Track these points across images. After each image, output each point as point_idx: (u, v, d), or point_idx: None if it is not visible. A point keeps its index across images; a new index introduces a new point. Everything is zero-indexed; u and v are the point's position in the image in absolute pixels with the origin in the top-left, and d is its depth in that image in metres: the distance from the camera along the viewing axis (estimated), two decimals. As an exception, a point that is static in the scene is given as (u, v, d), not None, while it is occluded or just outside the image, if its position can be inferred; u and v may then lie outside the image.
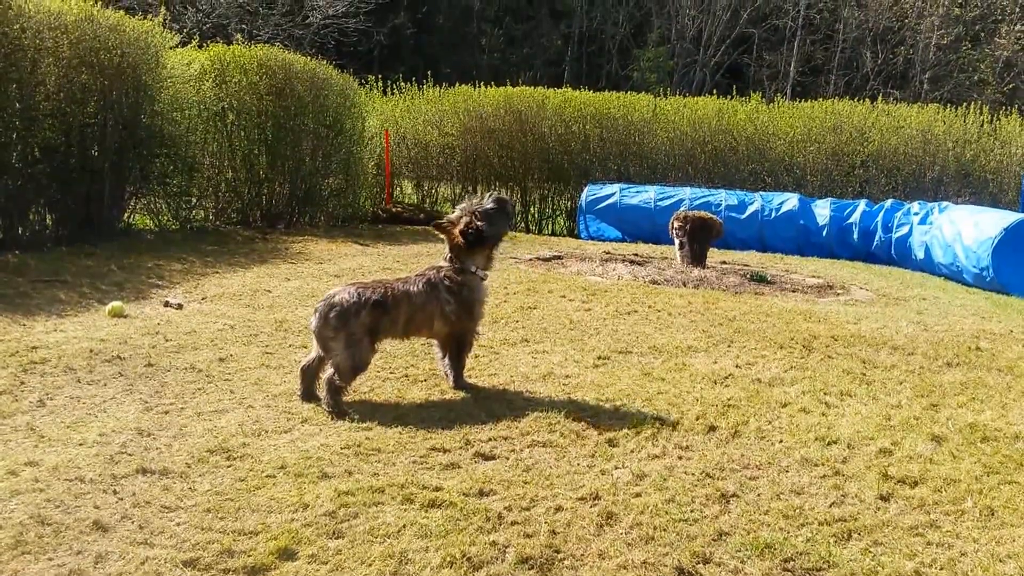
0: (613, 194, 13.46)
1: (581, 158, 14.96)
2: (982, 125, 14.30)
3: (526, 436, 4.16)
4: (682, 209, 11.48)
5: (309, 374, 4.53)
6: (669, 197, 13.03)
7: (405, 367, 5.25)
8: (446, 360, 4.83)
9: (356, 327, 4.30)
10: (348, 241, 11.40)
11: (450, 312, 4.57)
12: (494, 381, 5.01)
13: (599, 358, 5.58)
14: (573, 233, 14.23)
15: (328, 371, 4.39)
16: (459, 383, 4.81)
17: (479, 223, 4.54)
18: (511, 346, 5.87)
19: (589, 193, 13.67)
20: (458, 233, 4.55)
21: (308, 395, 4.53)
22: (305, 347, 5.49)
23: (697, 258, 9.86)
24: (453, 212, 4.68)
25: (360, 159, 13.45)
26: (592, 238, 13.39)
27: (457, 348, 4.76)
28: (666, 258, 10.70)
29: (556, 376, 5.14)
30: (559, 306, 7.36)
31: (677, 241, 10.08)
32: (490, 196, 4.62)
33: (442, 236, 4.68)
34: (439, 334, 4.71)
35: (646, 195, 13.26)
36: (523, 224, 16.01)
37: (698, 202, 12.67)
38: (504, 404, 4.58)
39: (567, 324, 6.61)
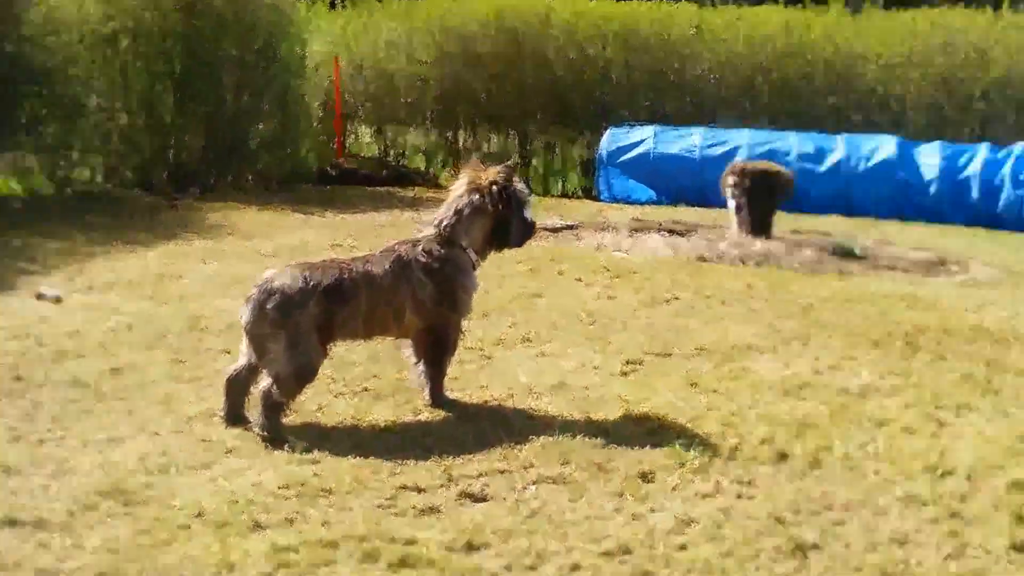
0: (644, 140, 13.42)
1: (600, 93, 14.93)
2: None
3: (529, 470, 4.15)
4: (738, 160, 11.47)
5: (236, 387, 4.53)
6: (720, 143, 13.00)
7: (365, 377, 5.22)
8: (421, 367, 4.83)
9: (302, 322, 4.31)
10: (286, 209, 11.38)
11: (425, 299, 4.59)
12: (485, 395, 5.00)
13: (628, 363, 5.58)
14: (590, 194, 14.23)
15: (263, 382, 4.39)
16: (438, 398, 4.82)
17: (517, 189, 4.70)
18: (508, 348, 5.87)
19: (612, 140, 13.65)
20: (488, 183, 4.65)
21: (235, 416, 4.52)
22: (229, 352, 5.46)
23: (759, 225, 9.87)
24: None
25: (301, 97, 13.41)
26: (616, 200, 13.37)
27: (435, 350, 4.76)
28: (718, 226, 10.70)
29: (570, 388, 5.14)
30: (573, 293, 7.35)
31: (732, 203, 10.07)
32: (520, 186, 4.76)
33: (461, 179, 4.76)
34: (411, 330, 4.72)
35: (689, 141, 13.23)
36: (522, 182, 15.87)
37: (760, 150, 12.66)
38: (499, 426, 4.58)
39: (584, 317, 6.60)
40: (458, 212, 4.70)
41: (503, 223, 4.73)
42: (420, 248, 4.64)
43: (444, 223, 4.70)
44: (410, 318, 4.63)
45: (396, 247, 4.68)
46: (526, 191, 4.84)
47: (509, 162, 4.90)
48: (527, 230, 4.84)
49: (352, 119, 15.97)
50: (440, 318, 4.68)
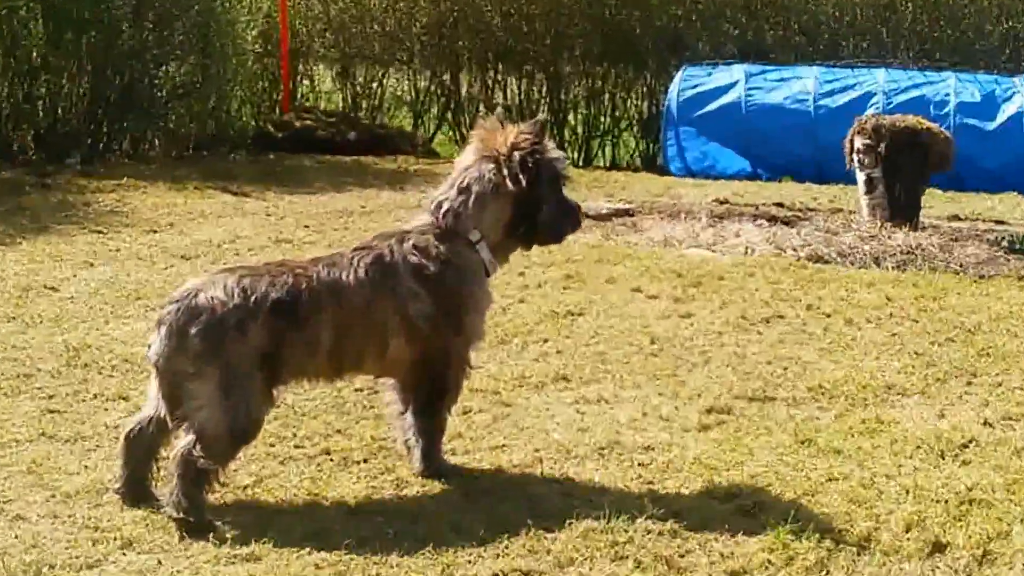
0: (733, 86, 13.44)
1: (666, 16, 14.96)
2: None
3: (567, 569, 4.13)
4: (870, 113, 11.45)
5: (139, 449, 4.53)
6: (844, 89, 13.00)
7: (326, 434, 5.24)
8: (409, 419, 4.83)
9: (239, 355, 4.32)
10: (208, 187, 11.45)
11: (419, 318, 4.57)
12: (503, 459, 5.01)
13: (709, 411, 5.59)
14: (654, 164, 14.25)
15: (180, 442, 4.38)
16: (433, 464, 4.82)
17: (551, 158, 4.74)
18: (536, 390, 5.88)
19: (685, 84, 13.67)
20: (508, 149, 4.65)
21: (136, 491, 4.53)
22: (127, 399, 5.47)
23: (902, 209, 9.89)
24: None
25: (230, 24, 13.53)
26: (692, 173, 13.38)
27: (431, 394, 4.77)
28: (840, 210, 10.69)
29: (625, 448, 5.14)
30: (629, 309, 7.37)
31: (862, 176, 10.05)
32: (556, 152, 4.81)
33: (469, 145, 4.81)
34: (398, 365, 4.72)
35: (798, 85, 13.23)
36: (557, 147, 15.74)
37: (902, 99, 12.65)
38: (523, 505, 4.57)
39: (645, 345, 6.62)
40: (464, 192, 4.68)
41: (530, 208, 4.72)
42: (410, 244, 4.62)
43: (445, 208, 4.69)
44: (396, 347, 4.62)
45: (375, 244, 4.67)
46: (564, 160, 4.85)
47: (538, 118, 4.92)
48: (566, 218, 4.84)
49: (306, 57, 16.06)
50: (439, 346, 4.67)
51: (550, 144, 4.81)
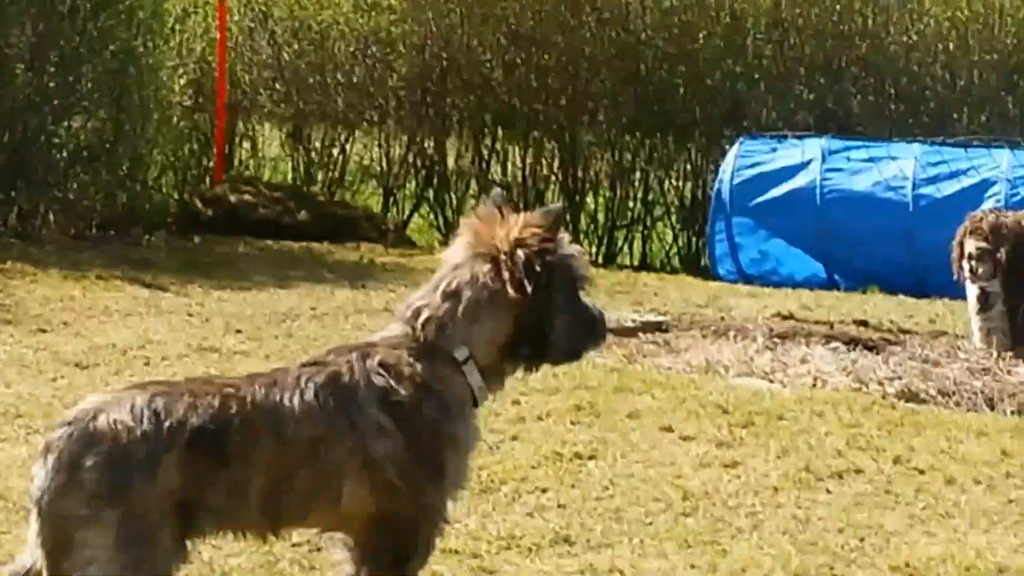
0: (805, 166, 13.47)
1: (720, 74, 15.07)
2: None
3: None
4: (987, 207, 11.49)
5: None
6: (954, 175, 12.99)
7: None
8: (363, 585, 4.82)
9: (146, 499, 4.27)
10: (116, 277, 11.46)
11: (385, 459, 4.54)
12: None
13: (760, 595, 5.58)
14: (697, 264, 14.33)
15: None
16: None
17: (566, 256, 4.63)
18: (527, 553, 5.83)
19: (743, 161, 13.68)
20: (511, 245, 4.63)
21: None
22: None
23: (1026, 333, 9.92)
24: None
25: (151, 71, 13.62)
26: (746, 278, 13.38)
27: (394, 556, 4.71)
28: (943, 333, 10.71)
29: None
30: (656, 454, 7.31)
31: (974, 289, 10.03)
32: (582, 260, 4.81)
33: (460, 237, 4.80)
34: (353, 520, 4.69)
35: (892, 168, 13.24)
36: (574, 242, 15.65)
37: (1030, 187, 12.73)
38: None
39: (675, 500, 6.57)
40: (451, 297, 4.64)
41: (537, 321, 4.74)
42: (376, 362, 4.61)
43: (425, 316, 4.67)
44: (353, 498, 4.53)
45: (330, 359, 4.67)
46: (582, 257, 4.86)
47: (551, 207, 4.93)
48: (586, 330, 4.87)
49: (248, 113, 16.16)
50: (409, 498, 4.68)
51: (565, 238, 4.84)
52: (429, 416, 4.57)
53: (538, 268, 4.64)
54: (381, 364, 4.56)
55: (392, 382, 4.55)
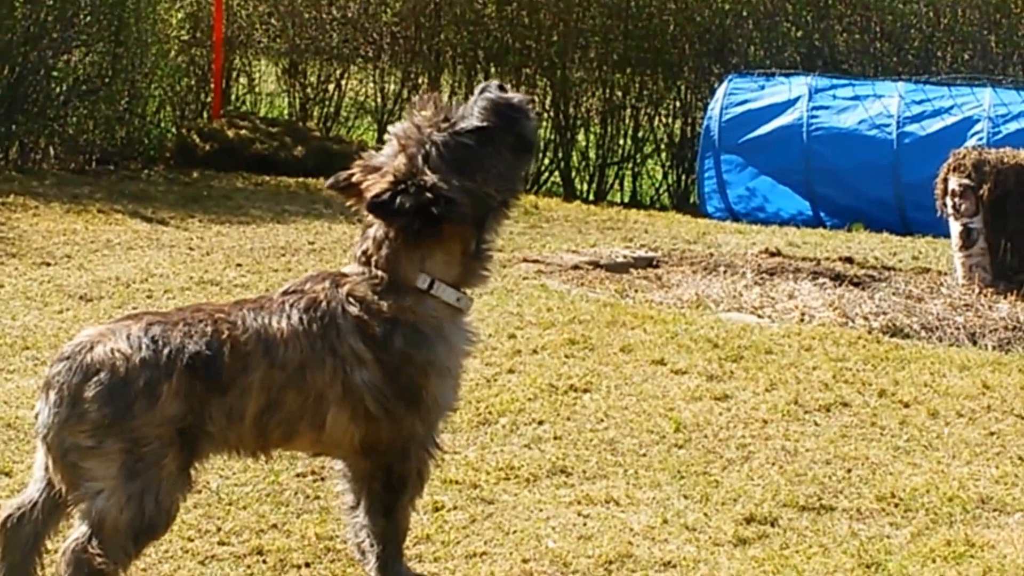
0: (792, 104, 13.46)
1: (709, 12, 14.99)
2: None
3: None
4: (970, 145, 11.47)
5: (21, 539, 4.51)
6: (938, 113, 12.99)
7: (258, 529, 5.25)
8: (361, 516, 4.82)
9: (148, 425, 4.33)
10: (116, 211, 11.48)
11: (366, 391, 4.56)
12: (482, 570, 5.01)
13: (748, 521, 5.57)
14: (687, 202, 14.30)
15: (74, 532, 4.37)
16: (392, 574, 4.79)
17: (432, 174, 4.53)
18: (525, 483, 5.88)
19: (731, 99, 13.68)
20: (376, 193, 4.54)
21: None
22: (10, 475, 5.48)
23: (1008, 270, 9.88)
24: (383, 144, 4.68)
25: (150, 7, 13.63)
26: (734, 214, 13.40)
27: (387, 486, 4.76)
28: (927, 269, 10.70)
29: (638, 563, 5.14)
30: (649, 386, 7.36)
31: (957, 226, 10.06)
32: (479, 94, 4.69)
33: (347, 200, 4.72)
34: (342, 445, 4.70)
35: (877, 106, 13.22)
36: (558, 175, 15.83)
37: (1012, 126, 12.69)
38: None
39: (667, 432, 6.62)
40: (383, 241, 4.61)
41: (452, 215, 4.55)
42: (346, 292, 4.62)
43: (375, 258, 4.62)
44: (336, 424, 4.60)
45: (309, 285, 4.67)
46: (471, 122, 4.62)
47: (483, 87, 4.71)
48: (495, 178, 4.67)
49: (244, 48, 16.09)
50: (393, 429, 4.65)
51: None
52: (399, 347, 4.60)
53: (419, 197, 4.55)
54: (351, 295, 4.60)
55: (364, 314, 4.58)
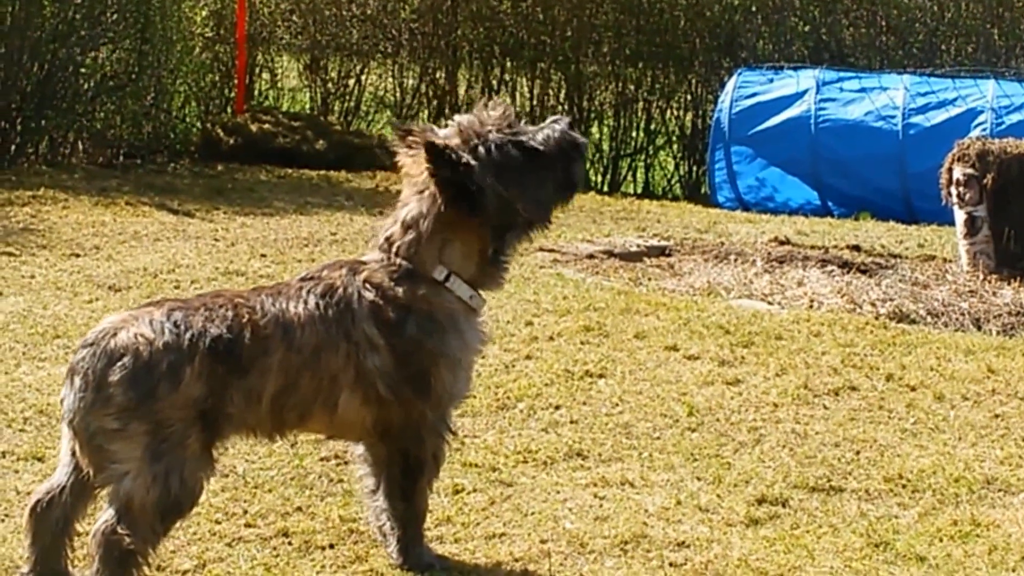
0: (800, 96, 13.45)
1: (719, 7, 14.97)
2: None
3: None
4: (974, 135, 11.46)
5: (50, 523, 4.58)
6: (942, 104, 12.97)
7: (283, 511, 5.31)
8: (381, 499, 4.91)
9: (172, 408, 4.38)
10: (143, 203, 11.58)
11: (377, 375, 4.67)
12: (501, 552, 5.06)
13: (759, 502, 5.63)
14: (698, 191, 14.29)
15: (102, 515, 4.43)
16: (413, 555, 4.87)
17: (478, 154, 4.68)
18: (543, 466, 5.94)
19: (741, 92, 13.66)
20: (435, 141, 4.67)
21: (49, 573, 4.58)
22: (42, 459, 5.55)
23: (1011, 257, 9.93)
24: (445, 125, 4.80)
25: (175, 5, 13.72)
26: (744, 204, 13.39)
27: (404, 470, 4.83)
28: (932, 257, 10.69)
29: (653, 543, 5.18)
30: (662, 372, 7.42)
31: (961, 214, 10.14)
32: (549, 122, 4.79)
33: (398, 147, 4.86)
34: (352, 428, 4.81)
35: (883, 98, 13.26)
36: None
37: (1015, 117, 12.75)
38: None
39: (681, 416, 6.68)
40: (411, 228, 4.73)
41: (499, 214, 4.71)
42: (363, 278, 4.70)
43: (396, 245, 4.75)
44: (348, 407, 4.68)
45: (327, 272, 4.75)
46: (503, 118, 4.79)
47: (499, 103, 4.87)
48: (547, 186, 4.81)
49: (267, 45, 16.08)
50: (406, 413, 4.73)
51: (485, 123, 4.76)
52: (411, 334, 4.67)
53: (458, 179, 4.64)
54: (368, 281, 4.67)
55: (379, 300, 4.65)
